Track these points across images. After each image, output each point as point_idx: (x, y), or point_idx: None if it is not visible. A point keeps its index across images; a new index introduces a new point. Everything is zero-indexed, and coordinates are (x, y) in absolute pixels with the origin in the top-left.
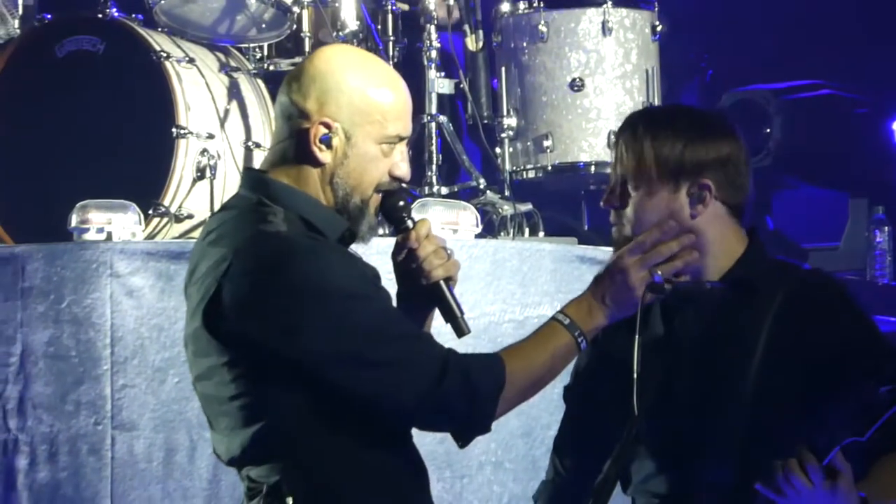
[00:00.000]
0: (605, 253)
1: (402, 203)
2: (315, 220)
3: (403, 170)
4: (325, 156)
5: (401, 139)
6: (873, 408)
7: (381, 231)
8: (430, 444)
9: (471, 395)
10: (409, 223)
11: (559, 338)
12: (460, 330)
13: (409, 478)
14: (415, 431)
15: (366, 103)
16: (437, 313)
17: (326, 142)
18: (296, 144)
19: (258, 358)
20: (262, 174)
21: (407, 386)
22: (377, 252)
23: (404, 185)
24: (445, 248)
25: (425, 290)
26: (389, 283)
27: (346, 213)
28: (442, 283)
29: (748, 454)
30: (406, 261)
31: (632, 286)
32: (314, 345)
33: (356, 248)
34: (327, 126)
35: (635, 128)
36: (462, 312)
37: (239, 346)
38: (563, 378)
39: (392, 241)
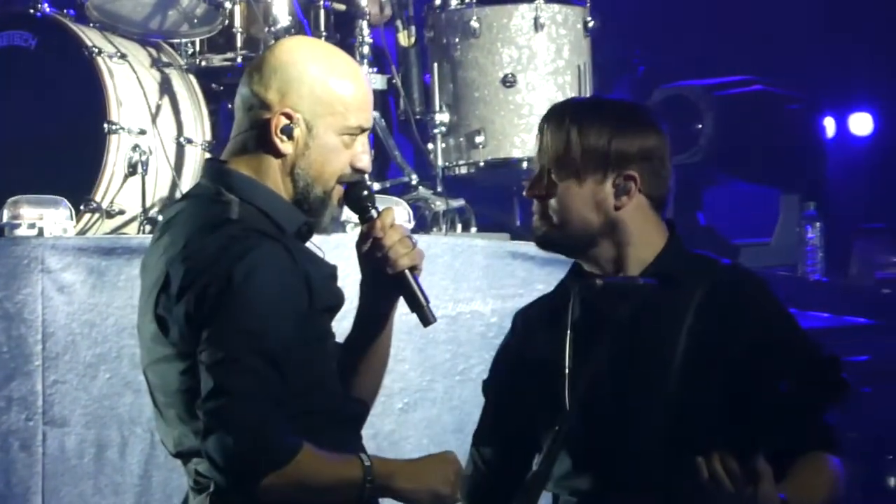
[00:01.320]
0: (537, 249)
1: (365, 193)
2: (273, 213)
3: (365, 161)
4: (286, 146)
5: (362, 130)
6: (794, 410)
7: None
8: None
9: (246, 457)
10: (374, 213)
11: (351, 469)
12: (426, 319)
13: None
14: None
15: (328, 94)
16: (401, 302)
17: (288, 132)
18: (257, 135)
19: (190, 347)
20: (222, 164)
21: (227, 420)
22: (335, 246)
23: (365, 176)
24: (410, 238)
25: (390, 279)
26: (347, 277)
27: (306, 204)
28: (407, 272)
29: (671, 453)
30: (371, 250)
31: (448, 481)
32: (214, 341)
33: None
34: (289, 116)
35: (561, 117)
36: (428, 301)
37: (177, 336)
38: (486, 373)
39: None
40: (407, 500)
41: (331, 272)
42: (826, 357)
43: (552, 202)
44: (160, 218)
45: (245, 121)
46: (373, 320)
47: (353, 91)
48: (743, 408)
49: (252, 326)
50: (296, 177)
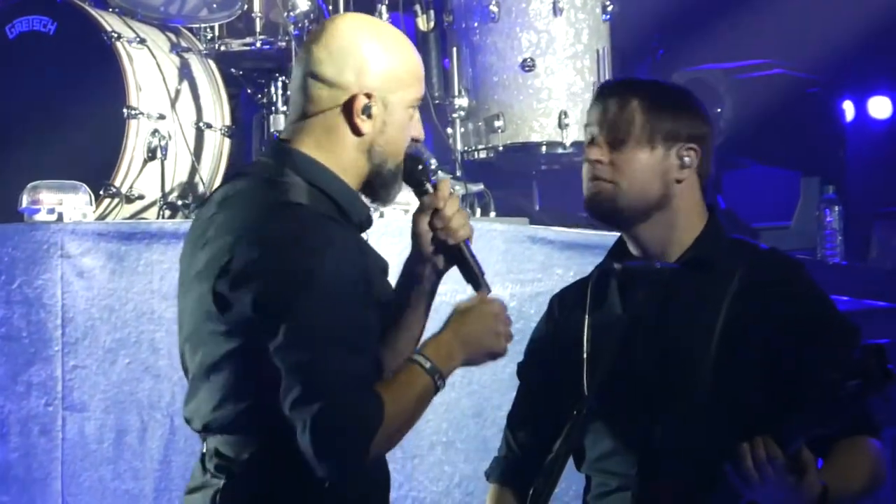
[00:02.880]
0: (556, 233)
1: (422, 166)
2: (339, 199)
3: (420, 130)
4: (366, 125)
5: (421, 101)
6: (840, 399)
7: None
8: None
9: (344, 440)
10: (430, 185)
11: (421, 382)
12: (481, 288)
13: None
14: None
15: (399, 69)
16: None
17: (368, 111)
18: (333, 116)
19: (250, 330)
20: (286, 143)
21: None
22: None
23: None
24: (465, 209)
25: (447, 250)
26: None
27: (380, 179)
28: (463, 243)
29: (707, 436)
30: (430, 222)
31: (497, 334)
32: (298, 338)
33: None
34: (368, 95)
35: (629, 87)
36: (483, 272)
37: (237, 316)
38: (517, 356)
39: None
40: (470, 365)
41: (384, 266)
42: (870, 345)
43: (613, 167)
44: (181, 203)
45: (313, 103)
46: (419, 295)
47: (416, 62)
48: (782, 393)
49: (335, 321)
50: (373, 154)
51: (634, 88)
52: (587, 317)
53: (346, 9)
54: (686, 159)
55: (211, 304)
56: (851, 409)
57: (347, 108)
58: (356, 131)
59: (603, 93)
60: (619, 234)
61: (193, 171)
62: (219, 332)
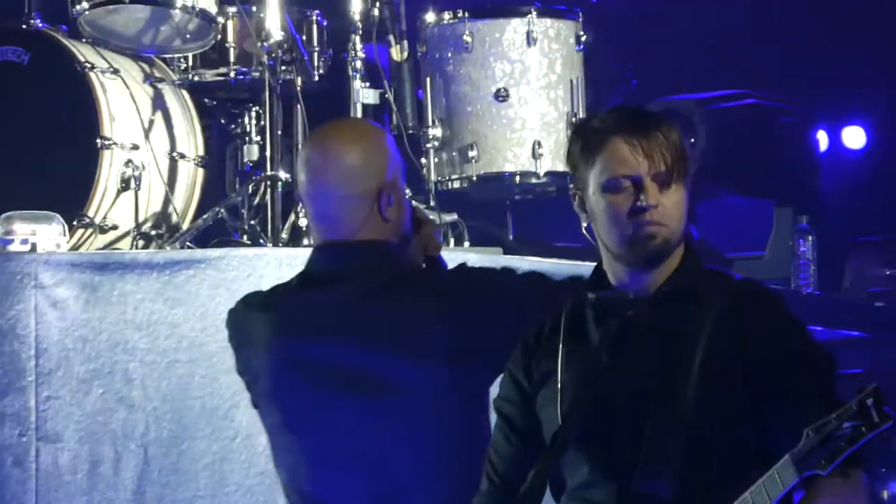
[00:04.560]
0: (530, 263)
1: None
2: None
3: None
4: (392, 213)
5: None
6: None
7: None
8: None
9: None
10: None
11: None
12: None
13: None
14: None
15: (397, 160)
16: None
17: (392, 203)
18: (368, 213)
19: None
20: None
21: None
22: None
23: None
24: None
25: None
26: None
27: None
28: None
29: (688, 466)
30: None
31: None
32: None
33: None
34: (390, 190)
35: (665, 124)
36: None
37: None
38: (497, 385)
39: None
40: None
41: None
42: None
43: (663, 210)
44: (154, 233)
45: (354, 208)
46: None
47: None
48: (761, 423)
49: None
50: (395, 235)
51: (669, 124)
52: (561, 346)
53: (320, 40)
54: (688, 196)
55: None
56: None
57: (380, 204)
58: (386, 219)
59: (642, 129)
60: (594, 264)
61: (167, 201)
62: None
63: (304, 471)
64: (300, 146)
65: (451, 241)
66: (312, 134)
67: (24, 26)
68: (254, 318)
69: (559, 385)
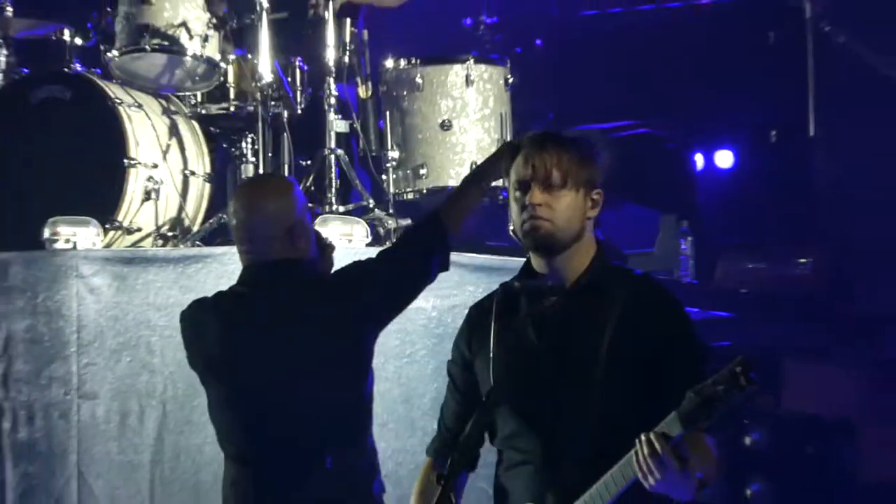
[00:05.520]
0: (468, 258)
1: None
2: None
3: None
4: (300, 242)
5: None
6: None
7: None
8: None
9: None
10: None
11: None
12: None
13: None
14: None
15: (303, 201)
16: None
17: (300, 235)
18: (283, 242)
19: None
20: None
21: None
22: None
23: None
24: None
25: None
26: None
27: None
28: None
29: (597, 423)
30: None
31: None
32: None
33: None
34: (298, 227)
35: (562, 144)
36: None
37: None
38: (441, 355)
39: None
40: None
41: None
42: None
43: (549, 208)
44: (170, 234)
45: (274, 241)
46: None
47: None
48: (659, 394)
49: None
50: (308, 256)
51: (564, 143)
52: (493, 323)
53: (302, 80)
54: (594, 201)
55: None
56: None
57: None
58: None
59: (537, 147)
60: (522, 259)
61: (181, 209)
62: None
63: (239, 428)
64: (231, 196)
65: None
66: (237, 189)
67: (66, 69)
68: (204, 316)
69: (491, 354)
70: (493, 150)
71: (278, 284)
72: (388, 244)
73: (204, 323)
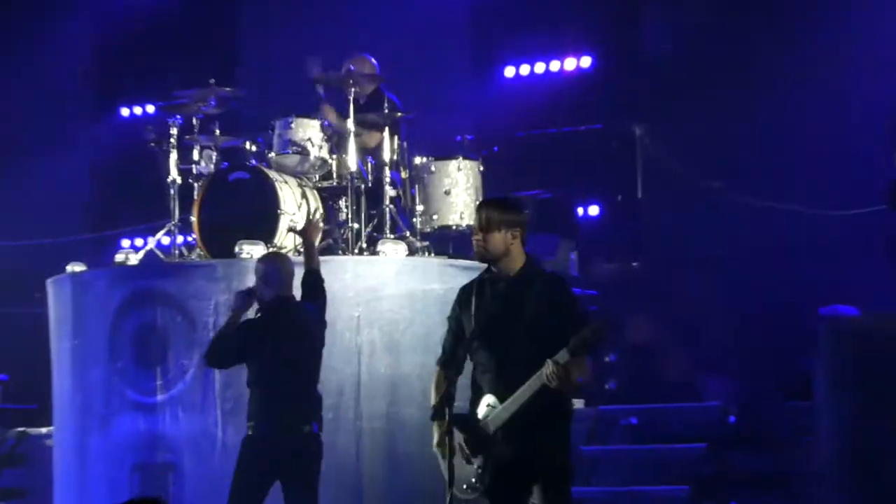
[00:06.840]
0: (460, 262)
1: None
2: None
3: None
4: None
5: None
6: (588, 339)
7: None
8: None
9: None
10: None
11: None
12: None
13: None
14: None
15: (292, 268)
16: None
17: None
18: (289, 285)
19: None
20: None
21: None
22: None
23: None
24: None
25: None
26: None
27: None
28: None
29: (529, 355)
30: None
31: None
32: None
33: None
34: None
35: (490, 205)
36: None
37: None
38: (445, 313)
39: None
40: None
41: None
42: (589, 317)
43: (486, 242)
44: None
45: (285, 286)
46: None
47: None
48: (558, 335)
49: None
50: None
51: (492, 204)
52: (473, 298)
53: (371, 170)
54: (513, 234)
55: None
56: (590, 344)
57: None
58: None
59: (479, 207)
60: (486, 264)
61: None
62: None
63: (266, 382)
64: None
65: (428, 254)
66: (263, 256)
67: (246, 163)
68: (255, 321)
69: (472, 313)
70: (472, 206)
71: (290, 306)
72: (416, 256)
73: (258, 329)
